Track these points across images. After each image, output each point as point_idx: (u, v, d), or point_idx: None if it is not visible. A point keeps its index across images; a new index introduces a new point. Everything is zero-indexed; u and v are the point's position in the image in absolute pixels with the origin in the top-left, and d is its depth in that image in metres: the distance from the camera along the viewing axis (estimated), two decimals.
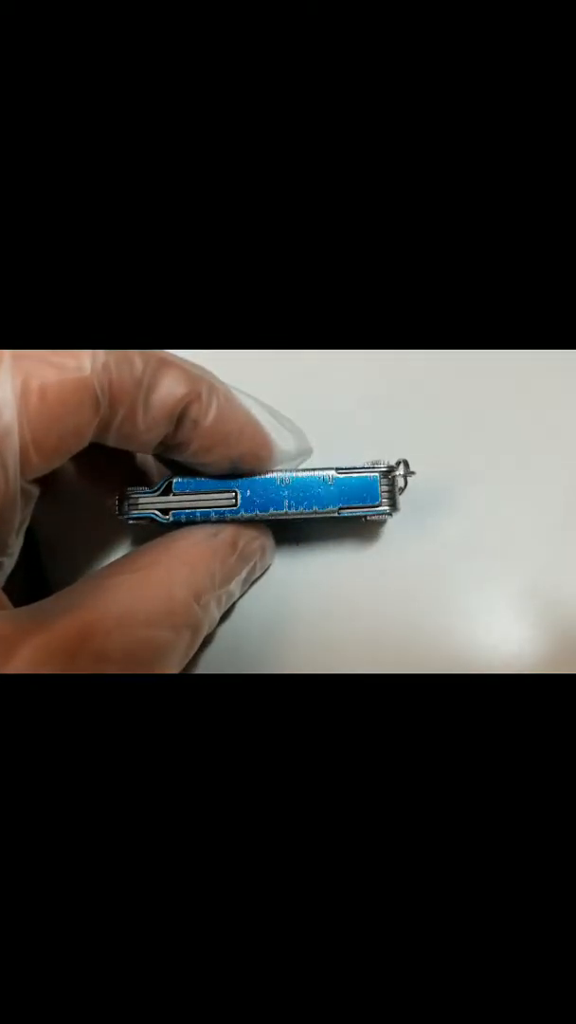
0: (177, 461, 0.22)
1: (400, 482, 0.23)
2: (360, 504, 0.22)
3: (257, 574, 0.25)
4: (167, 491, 0.22)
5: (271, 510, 0.22)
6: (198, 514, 0.22)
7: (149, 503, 0.22)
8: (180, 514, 0.22)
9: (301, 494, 0.22)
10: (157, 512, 0.22)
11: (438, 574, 0.25)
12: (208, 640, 0.25)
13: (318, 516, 0.22)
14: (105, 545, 0.27)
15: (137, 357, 0.18)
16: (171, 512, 0.22)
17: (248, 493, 0.22)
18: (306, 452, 0.23)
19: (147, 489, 0.22)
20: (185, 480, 0.22)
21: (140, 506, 0.22)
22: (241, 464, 0.21)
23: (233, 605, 0.25)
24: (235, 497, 0.22)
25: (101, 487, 0.23)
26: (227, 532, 0.22)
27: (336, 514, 0.22)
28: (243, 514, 0.22)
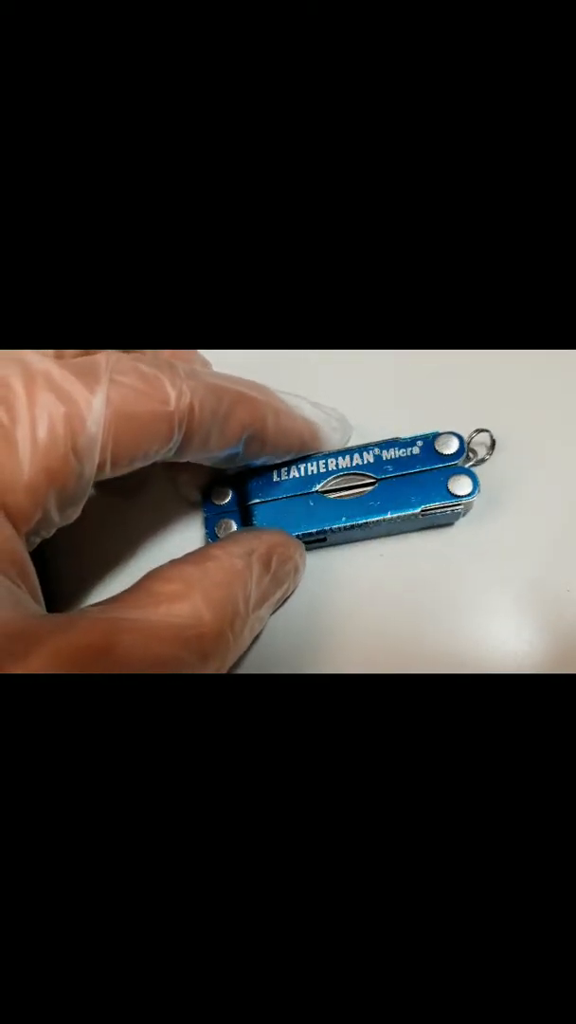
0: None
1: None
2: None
3: (289, 595, 0.25)
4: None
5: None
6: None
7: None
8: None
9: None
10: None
11: (441, 573, 0.25)
12: None
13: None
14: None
15: (220, 396, 0.20)
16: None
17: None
18: (349, 433, 0.26)
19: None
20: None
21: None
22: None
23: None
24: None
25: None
26: (261, 551, 0.22)
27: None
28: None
